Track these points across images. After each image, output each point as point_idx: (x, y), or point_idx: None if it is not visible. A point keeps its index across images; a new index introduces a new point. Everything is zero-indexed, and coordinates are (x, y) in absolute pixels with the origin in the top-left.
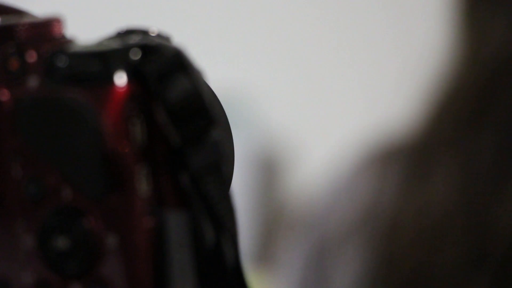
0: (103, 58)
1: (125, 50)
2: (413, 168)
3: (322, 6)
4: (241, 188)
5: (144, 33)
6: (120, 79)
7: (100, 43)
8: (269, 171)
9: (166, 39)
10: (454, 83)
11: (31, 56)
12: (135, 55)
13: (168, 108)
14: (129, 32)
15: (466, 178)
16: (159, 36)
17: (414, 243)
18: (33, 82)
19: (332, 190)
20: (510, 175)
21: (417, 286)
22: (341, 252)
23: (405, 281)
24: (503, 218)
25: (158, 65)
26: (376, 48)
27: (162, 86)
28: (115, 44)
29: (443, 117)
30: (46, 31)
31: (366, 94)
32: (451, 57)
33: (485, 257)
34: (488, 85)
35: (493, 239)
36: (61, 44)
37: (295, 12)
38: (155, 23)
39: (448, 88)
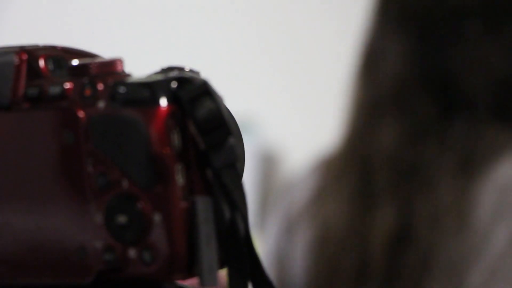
0: (151, 87)
1: (167, 81)
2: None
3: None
4: (249, 179)
5: (180, 69)
6: (163, 102)
7: (149, 76)
8: (268, 167)
9: (196, 73)
10: (356, 105)
11: (100, 86)
12: (174, 85)
13: (197, 122)
14: (169, 69)
15: (353, 200)
16: (191, 71)
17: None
18: (101, 104)
19: (295, 183)
20: (376, 200)
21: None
22: (298, 223)
23: (329, 257)
24: (377, 230)
25: (190, 92)
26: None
27: (193, 107)
28: (160, 77)
29: (349, 139)
30: (111, 68)
31: (318, 118)
32: (356, 85)
33: (368, 266)
34: (376, 107)
35: (372, 245)
36: (122, 77)
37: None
38: (186, 61)
39: (353, 108)
